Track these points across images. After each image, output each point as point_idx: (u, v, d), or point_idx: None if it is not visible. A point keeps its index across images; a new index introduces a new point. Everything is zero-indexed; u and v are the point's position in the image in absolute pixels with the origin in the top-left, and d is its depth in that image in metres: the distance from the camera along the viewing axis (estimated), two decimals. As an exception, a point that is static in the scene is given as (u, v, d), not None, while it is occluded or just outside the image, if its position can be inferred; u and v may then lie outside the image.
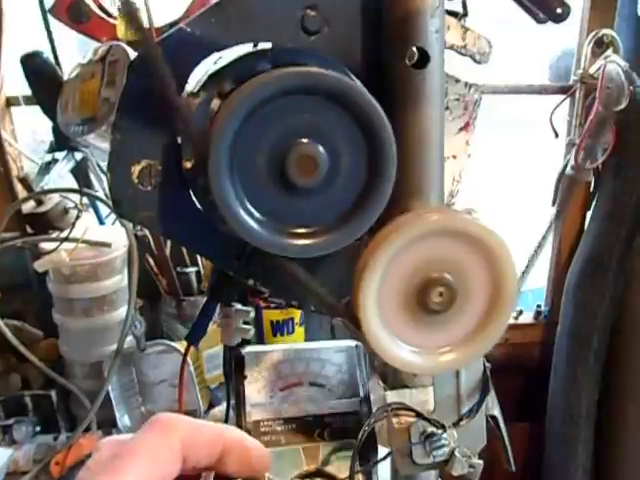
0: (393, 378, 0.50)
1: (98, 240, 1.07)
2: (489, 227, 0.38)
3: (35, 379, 1.19)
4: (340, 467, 0.54)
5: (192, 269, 1.21)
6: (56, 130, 0.99)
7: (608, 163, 1.24)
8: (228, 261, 0.45)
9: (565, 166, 1.29)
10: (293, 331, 1.12)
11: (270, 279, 0.46)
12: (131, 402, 1.15)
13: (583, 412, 1.32)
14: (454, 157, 0.50)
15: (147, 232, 1.16)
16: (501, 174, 2.12)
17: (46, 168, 1.09)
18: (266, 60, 0.40)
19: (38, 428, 1.15)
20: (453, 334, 0.40)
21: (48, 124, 1.00)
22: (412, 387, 0.48)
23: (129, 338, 1.06)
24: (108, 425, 1.12)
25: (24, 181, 1.14)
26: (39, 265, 1.04)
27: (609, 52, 1.21)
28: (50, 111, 0.92)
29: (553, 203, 1.35)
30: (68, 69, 0.90)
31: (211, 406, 1.19)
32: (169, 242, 1.19)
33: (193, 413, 1.10)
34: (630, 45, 1.23)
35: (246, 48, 0.42)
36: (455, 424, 0.48)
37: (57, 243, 1.04)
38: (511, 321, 1.46)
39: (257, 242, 0.37)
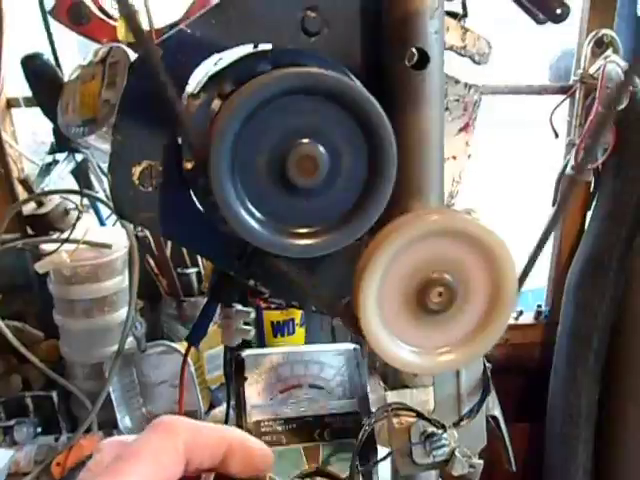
0: (393, 378, 0.50)
1: (99, 241, 1.07)
2: (489, 227, 0.38)
3: (36, 380, 1.19)
4: (341, 467, 0.54)
5: (193, 270, 1.22)
6: (57, 131, 0.99)
7: (608, 163, 1.25)
8: (229, 261, 0.45)
9: (565, 166, 1.29)
10: (294, 332, 1.12)
11: (271, 279, 0.46)
12: (132, 403, 1.15)
13: (583, 412, 1.32)
14: (454, 158, 0.51)
15: (148, 233, 1.16)
16: (501, 174, 2.11)
17: (47, 169, 1.09)
18: (266, 61, 0.40)
19: (39, 429, 1.15)
20: (453, 334, 0.40)
21: (48, 126, 1.00)
22: (412, 387, 0.48)
23: (130, 339, 1.06)
24: (109, 426, 1.12)
25: (25, 182, 1.14)
26: (40, 266, 1.04)
27: (609, 52, 1.22)
28: (51, 112, 0.93)
29: (553, 203, 1.35)
30: (68, 71, 0.90)
31: (212, 407, 1.19)
32: (170, 243, 1.19)
33: (194, 414, 1.10)
34: (630, 45, 1.23)
35: (246, 49, 0.43)
36: (455, 424, 0.48)
37: (58, 244, 1.04)
38: (511, 321, 1.46)
39: (258, 242, 0.38)
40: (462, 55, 0.48)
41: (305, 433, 0.55)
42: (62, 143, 1.04)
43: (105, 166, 1.04)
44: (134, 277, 1.05)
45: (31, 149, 1.31)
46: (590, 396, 1.32)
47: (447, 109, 0.49)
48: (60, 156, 1.07)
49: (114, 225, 1.17)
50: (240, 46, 0.42)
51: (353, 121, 0.37)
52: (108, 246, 1.07)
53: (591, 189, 1.33)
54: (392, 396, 0.47)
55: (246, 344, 1.10)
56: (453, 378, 0.49)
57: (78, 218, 1.06)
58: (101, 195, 1.11)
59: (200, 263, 1.23)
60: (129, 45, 0.84)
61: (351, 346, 0.63)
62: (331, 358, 0.62)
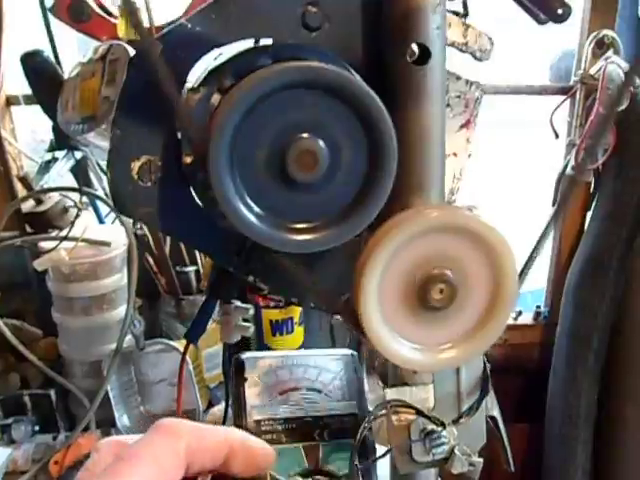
0: (393, 376, 0.50)
1: (98, 239, 1.07)
2: (490, 224, 0.38)
3: (34, 378, 1.19)
4: (340, 466, 0.54)
5: (191, 268, 1.21)
6: (56, 129, 0.99)
7: (608, 163, 1.24)
8: (228, 257, 0.45)
9: (565, 166, 1.29)
10: (292, 330, 1.12)
11: (270, 275, 0.46)
12: (130, 401, 1.14)
13: (582, 413, 1.32)
14: (455, 155, 0.50)
15: (146, 231, 1.16)
16: (501, 175, 2.11)
17: (46, 167, 1.09)
18: (266, 55, 0.40)
19: (37, 427, 1.15)
20: (453, 331, 0.39)
21: (48, 124, 0.99)
22: (412, 385, 0.48)
23: (128, 337, 1.06)
24: (107, 424, 1.12)
25: (24, 180, 1.14)
26: (39, 264, 1.04)
27: (610, 53, 1.21)
28: (50, 110, 0.92)
29: (553, 204, 1.35)
30: (68, 68, 0.90)
31: (210, 405, 1.19)
32: (168, 241, 1.19)
33: (192, 412, 1.10)
34: (631, 46, 1.23)
35: (246, 44, 0.42)
36: (455, 421, 0.48)
37: (56, 242, 1.04)
38: (510, 322, 1.46)
39: (257, 237, 0.37)
40: (463, 51, 0.48)
41: (304, 433, 0.55)
42: (61, 141, 1.03)
43: (104, 164, 1.03)
44: (133, 275, 1.05)
45: (30, 147, 1.30)
46: (589, 397, 1.32)
47: (448, 105, 0.49)
48: (59, 154, 1.07)
49: (113, 223, 1.17)
50: (240, 41, 0.42)
51: (353, 115, 0.37)
52: (107, 244, 1.07)
53: (591, 189, 1.33)
54: (391, 393, 0.47)
55: (245, 343, 1.10)
56: (453, 376, 0.49)
57: (77, 216, 1.06)
58: (100, 193, 1.11)
59: (199, 261, 1.22)
60: (129, 42, 0.84)
61: (349, 351, 0.63)
62: (329, 363, 0.62)
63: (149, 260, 1.19)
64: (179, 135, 0.42)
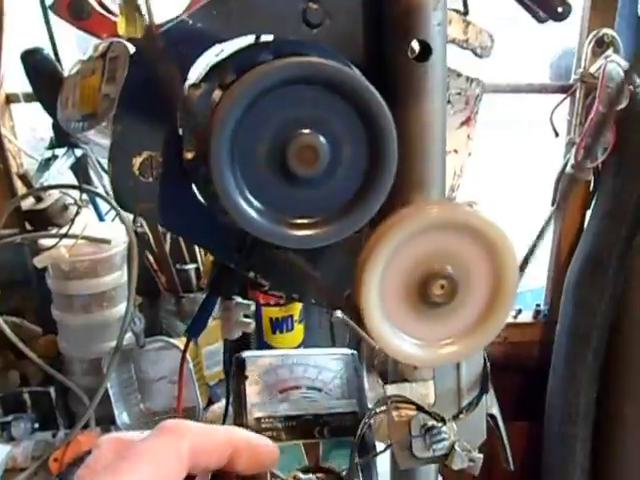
0: (393, 372, 0.50)
1: (98, 236, 1.07)
2: (490, 220, 0.38)
3: (34, 376, 1.19)
4: (340, 463, 0.54)
5: (191, 266, 1.21)
6: (56, 126, 0.99)
7: (608, 162, 1.25)
8: (229, 253, 0.45)
9: (565, 165, 1.29)
10: (292, 328, 1.12)
11: (271, 271, 0.46)
12: (130, 399, 1.15)
13: (582, 411, 1.32)
14: (455, 151, 0.50)
15: (147, 229, 1.16)
16: (501, 174, 2.12)
17: (46, 164, 1.09)
18: (268, 51, 0.40)
19: (37, 425, 1.15)
20: (454, 326, 0.40)
21: (48, 121, 0.99)
22: (412, 381, 0.48)
23: (128, 335, 1.06)
24: (107, 422, 1.12)
25: (24, 178, 1.14)
26: (38, 261, 1.04)
27: (609, 52, 1.22)
28: (50, 107, 0.92)
29: (553, 202, 1.35)
30: (68, 65, 0.90)
31: (210, 403, 1.19)
32: (169, 239, 1.19)
33: (192, 410, 1.10)
34: (630, 45, 1.23)
35: (248, 40, 0.42)
36: (455, 417, 0.48)
37: (56, 239, 1.04)
38: (510, 320, 1.46)
39: (258, 232, 0.37)
40: (464, 48, 0.48)
41: (304, 431, 0.55)
42: (61, 138, 1.03)
43: (104, 161, 1.03)
44: (133, 273, 1.05)
45: (30, 145, 1.30)
46: (589, 395, 1.32)
47: (449, 102, 0.49)
48: (59, 151, 1.07)
49: (113, 220, 1.17)
50: (241, 37, 0.42)
51: (353, 111, 0.37)
52: (107, 241, 1.07)
53: (591, 188, 1.33)
54: (392, 389, 0.47)
55: (245, 340, 1.10)
56: (453, 371, 0.49)
57: (77, 213, 1.06)
58: (100, 190, 1.11)
59: (199, 259, 1.22)
60: (129, 40, 0.84)
61: (349, 351, 0.63)
62: (329, 362, 0.62)
63: (149, 258, 1.19)
64: (180, 131, 0.42)
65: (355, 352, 0.63)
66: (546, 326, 1.46)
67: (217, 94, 0.40)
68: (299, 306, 1.12)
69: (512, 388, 1.46)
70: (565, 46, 1.37)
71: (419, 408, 0.46)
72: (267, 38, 0.43)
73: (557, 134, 1.25)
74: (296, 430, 0.55)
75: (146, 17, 0.83)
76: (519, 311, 1.48)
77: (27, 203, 1.14)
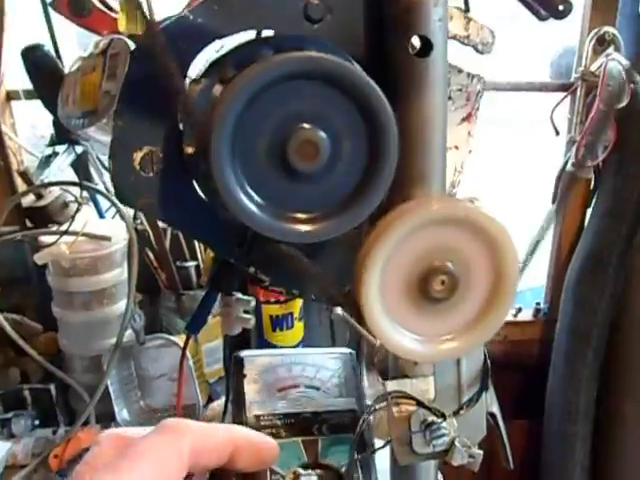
0: (394, 368, 0.50)
1: (98, 233, 1.07)
2: (491, 215, 0.38)
3: (34, 373, 1.19)
4: (339, 459, 0.54)
5: (191, 263, 1.21)
6: (57, 123, 0.99)
7: (609, 160, 1.25)
8: (229, 248, 0.45)
9: (565, 163, 1.29)
10: (292, 326, 1.12)
11: (271, 267, 0.46)
12: (130, 396, 1.15)
13: (581, 409, 1.33)
14: (456, 148, 0.50)
15: (147, 226, 1.16)
16: (502, 172, 2.11)
17: (46, 161, 1.09)
18: (268, 47, 0.40)
19: (37, 422, 1.15)
20: (455, 322, 0.40)
21: (48, 119, 0.99)
22: (412, 377, 0.48)
23: (128, 332, 1.06)
24: (107, 419, 1.12)
25: (24, 175, 1.14)
26: (39, 257, 1.04)
27: (610, 50, 1.21)
28: (51, 104, 0.92)
29: (553, 200, 1.35)
30: (69, 62, 0.90)
31: (210, 400, 1.19)
32: (169, 236, 1.19)
33: (192, 407, 1.10)
34: (631, 43, 1.23)
35: (248, 36, 0.42)
36: (455, 413, 0.48)
37: (57, 236, 1.04)
38: (510, 318, 1.46)
39: (258, 227, 0.37)
40: (465, 44, 0.48)
41: (303, 428, 0.56)
42: (62, 135, 1.03)
43: (105, 158, 1.03)
44: (133, 270, 1.05)
45: (31, 142, 1.30)
46: (588, 393, 1.32)
47: (450, 98, 0.49)
48: (60, 148, 1.07)
49: (113, 218, 1.17)
50: (242, 33, 0.42)
51: (353, 105, 0.37)
52: (107, 238, 1.07)
53: (591, 186, 1.33)
54: (392, 385, 0.47)
55: (245, 338, 1.10)
56: (453, 367, 0.49)
57: (77, 210, 1.06)
58: (100, 187, 1.11)
59: (199, 256, 1.22)
60: (130, 37, 0.84)
61: (347, 350, 0.64)
62: (327, 361, 0.63)
63: (149, 255, 1.19)
64: (181, 126, 0.42)
65: (353, 351, 0.63)
66: (546, 324, 1.46)
67: (217, 89, 0.40)
68: (299, 304, 1.12)
69: (512, 386, 1.46)
70: (566, 44, 1.37)
71: (419, 404, 0.46)
72: (268, 33, 0.43)
73: (558, 132, 1.25)
74: (295, 427, 0.55)
75: (147, 13, 0.83)
76: (519, 309, 1.48)
77: (27, 200, 1.14)
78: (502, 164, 2.09)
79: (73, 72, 0.87)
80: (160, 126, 0.42)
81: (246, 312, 0.55)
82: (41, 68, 0.98)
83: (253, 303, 0.55)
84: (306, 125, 0.37)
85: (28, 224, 1.18)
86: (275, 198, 0.38)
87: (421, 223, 0.38)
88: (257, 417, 0.56)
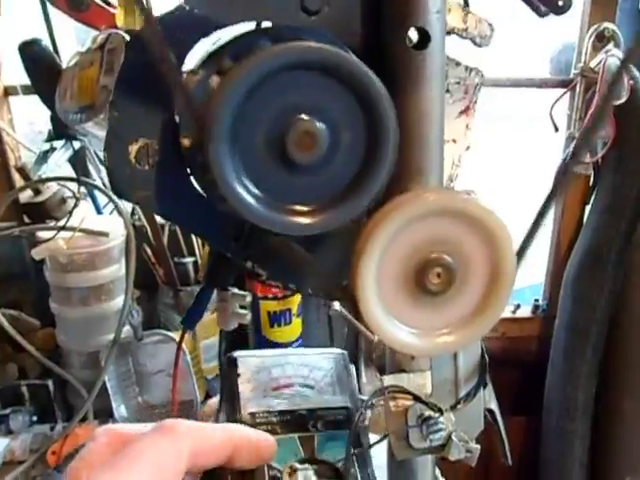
0: (391, 363, 0.50)
1: (95, 229, 1.06)
2: (489, 207, 0.38)
3: (32, 369, 1.19)
4: (335, 454, 0.54)
5: (189, 259, 1.21)
6: (54, 119, 0.98)
7: (608, 156, 1.24)
8: (226, 242, 0.45)
9: (564, 159, 1.29)
10: (290, 322, 1.12)
11: (268, 260, 0.45)
12: (128, 392, 1.15)
13: (580, 406, 1.33)
14: (454, 141, 0.50)
15: (145, 222, 1.16)
16: (501, 168, 2.11)
17: (44, 157, 1.08)
18: (266, 37, 0.39)
19: (35, 418, 1.15)
20: (452, 315, 0.39)
21: (46, 115, 0.99)
22: (409, 371, 0.48)
23: (126, 328, 1.06)
24: (105, 415, 1.12)
25: (22, 170, 1.14)
26: (36, 253, 1.04)
27: (610, 46, 1.21)
28: (48, 99, 0.92)
29: (551, 197, 1.34)
30: (66, 57, 0.90)
31: (208, 396, 1.19)
32: (166, 232, 1.19)
33: (190, 403, 1.10)
34: (631, 39, 1.23)
35: (246, 27, 0.42)
36: (452, 408, 0.48)
37: (54, 232, 1.04)
38: (509, 315, 1.46)
39: (256, 219, 0.37)
40: (463, 37, 0.48)
41: (299, 424, 0.56)
42: (59, 130, 1.03)
43: (102, 154, 1.03)
44: (131, 266, 1.05)
45: (28, 138, 1.30)
46: (587, 390, 1.32)
47: (448, 91, 0.48)
48: (57, 144, 1.07)
49: (111, 213, 1.17)
50: (239, 24, 0.42)
51: (351, 94, 0.37)
52: (105, 234, 1.07)
53: (590, 182, 1.33)
54: (389, 380, 0.47)
55: (243, 334, 1.10)
56: (450, 361, 0.49)
57: (75, 206, 1.06)
58: (98, 183, 1.10)
59: (197, 252, 1.22)
60: (128, 32, 0.83)
61: (339, 350, 0.64)
62: (320, 361, 0.63)
63: (147, 251, 1.19)
64: (177, 118, 0.41)
65: (345, 352, 0.64)
66: (545, 321, 1.46)
67: (215, 80, 0.39)
68: (297, 300, 1.12)
69: (511, 383, 1.46)
70: (565, 40, 1.37)
71: (416, 398, 0.46)
72: (266, 25, 0.42)
73: (557, 129, 1.25)
74: (290, 424, 0.55)
75: (144, 5, 0.82)
76: (518, 306, 1.48)
77: (25, 196, 1.14)
78: (501, 160, 2.09)
79: (71, 67, 0.87)
80: (156, 118, 0.42)
81: (242, 307, 0.55)
82: (39, 63, 0.97)
83: (249, 298, 0.55)
84: (304, 116, 0.37)
85: (26, 220, 1.18)
86: (273, 190, 0.38)
87: (418, 214, 0.37)
88: (252, 414, 0.56)
